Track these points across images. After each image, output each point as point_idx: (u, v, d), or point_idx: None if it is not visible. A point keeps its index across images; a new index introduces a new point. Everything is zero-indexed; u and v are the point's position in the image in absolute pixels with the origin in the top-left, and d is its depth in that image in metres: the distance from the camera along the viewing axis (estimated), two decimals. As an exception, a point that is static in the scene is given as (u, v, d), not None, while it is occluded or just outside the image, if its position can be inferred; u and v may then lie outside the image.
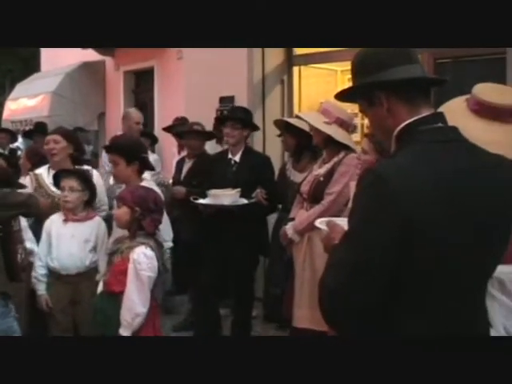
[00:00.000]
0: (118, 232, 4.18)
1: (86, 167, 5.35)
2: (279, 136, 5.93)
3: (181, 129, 6.85)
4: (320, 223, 2.73)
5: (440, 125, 1.92)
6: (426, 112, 1.93)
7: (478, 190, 1.85)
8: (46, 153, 5.14)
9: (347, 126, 4.52)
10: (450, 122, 1.97)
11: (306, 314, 4.31)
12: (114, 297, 3.82)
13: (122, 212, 3.87)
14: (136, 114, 7.14)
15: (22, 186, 4.41)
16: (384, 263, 1.77)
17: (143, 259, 3.75)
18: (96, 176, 5.22)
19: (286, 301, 4.85)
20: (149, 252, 3.78)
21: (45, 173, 5.06)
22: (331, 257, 1.97)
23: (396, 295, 1.81)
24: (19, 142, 10.45)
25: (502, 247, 1.98)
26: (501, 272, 2.04)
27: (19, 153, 9.54)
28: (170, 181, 6.85)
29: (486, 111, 2.51)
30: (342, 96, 2.21)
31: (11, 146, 9.64)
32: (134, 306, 3.73)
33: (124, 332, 3.74)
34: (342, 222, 2.24)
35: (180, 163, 6.46)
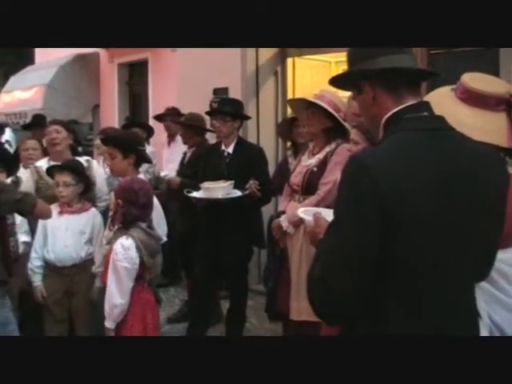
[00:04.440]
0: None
1: (85, 157, 5.38)
2: (292, 121, 5.63)
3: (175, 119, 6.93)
4: (303, 212, 2.73)
5: (425, 114, 1.94)
6: (411, 101, 1.95)
7: (464, 177, 1.86)
8: (47, 143, 5.15)
9: (343, 114, 4.50)
10: (438, 110, 1.99)
11: (303, 306, 4.23)
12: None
13: (113, 203, 3.92)
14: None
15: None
16: (368, 250, 1.79)
17: (120, 250, 3.73)
18: (96, 166, 5.25)
19: (279, 294, 4.82)
20: (127, 242, 3.75)
21: (45, 165, 5.07)
22: (317, 249, 2.00)
23: (380, 281, 1.82)
24: (8, 136, 10.41)
25: (492, 236, 1.99)
26: None
27: (7, 146, 9.53)
28: (163, 172, 6.88)
29: (473, 99, 2.55)
30: (336, 83, 2.26)
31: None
32: (112, 297, 3.74)
33: (107, 323, 3.76)
34: (327, 213, 2.26)
35: (185, 154, 6.52)
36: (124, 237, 3.77)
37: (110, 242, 3.88)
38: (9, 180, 4.76)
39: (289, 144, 5.85)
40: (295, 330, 4.53)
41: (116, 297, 3.73)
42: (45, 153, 5.83)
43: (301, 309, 4.32)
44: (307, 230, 2.44)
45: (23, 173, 5.28)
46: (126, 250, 3.73)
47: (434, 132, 1.91)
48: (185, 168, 6.20)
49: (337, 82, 2.25)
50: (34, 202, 3.92)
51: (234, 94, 7.10)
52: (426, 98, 2.08)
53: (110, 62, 11.46)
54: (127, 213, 3.81)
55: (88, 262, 4.66)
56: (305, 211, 2.76)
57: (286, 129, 5.65)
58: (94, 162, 5.34)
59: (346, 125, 4.54)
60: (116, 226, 3.94)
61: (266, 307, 5.65)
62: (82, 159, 5.26)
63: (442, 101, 2.51)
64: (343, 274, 1.81)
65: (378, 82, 1.99)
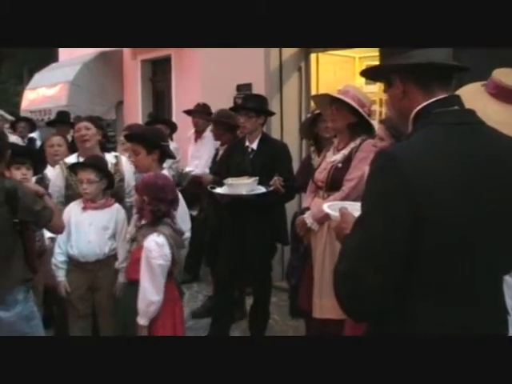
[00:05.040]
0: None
1: (113, 153, 5.38)
2: (316, 117, 5.45)
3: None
4: (329, 207, 2.70)
5: (456, 107, 1.92)
6: (442, 95, 1.93)
7: (493, 171, 1.84)
8: (77, 140, 5.14)
9: (367, 109, 4.46)
10: (468, 105, 1.97)
11: (326, 304, 4.23)
12: (133, 285, 3.86)
13: (135, 199, 3.93)
14: None
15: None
16: (396, 245, 1.77)
17: (154, 247, 3.76)
18: (125, 162, 5.23)
19: (302, 291, 4.79)
20: (160, 239, 3.79)
21: (74, 161, 5.04)
22: (343, 244, 1.99)
23: (407, 275, 1.80)
24: (35, 133, 10.47)
25: None
26: None
27: (38, 143, 9.60)
28: (188, 168, 6.90)
29: (503, 94, 2.52)
30: (367, 75, 2.28)
31: (30, 135, 9.63)
32: (148, 294, 3.76)
33: (140, 320, 3.78)
34: (353, 207, 2.23)
35: (218, 151, 6.62)
36: (155, 234, 3.79)
37: (136, 239, 3.88)
38: (34, 179, 4.78)
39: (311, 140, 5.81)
40: (318, 328, 4.50)
41: (152, 294, 3.76)
42: (70, 149, 5.85)
43: (324, 307, 4.29)
44: (332, 225, 2.41)
45: (51, 170, 5.30)
46: (159, 247, 3.77)
47: (464, 126, 1.89)
48: (217, 165, 6.23)
49: (368, 74, 2.27)
50: (50, 217, 3.94)
51: (258, 90, 7.07)
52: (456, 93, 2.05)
53: (133, 59, 11.49)
54: (155, 209, 3.84)
55: (111, 257, 4.65)
56: (330, 206, 2.74)
57: (307, 126, 5.61)
58: (123, 158, 5.32)
59: (371, 120, 4.50)
60: (141, 223, 3.94)
61: (290, 306, 5.62)
62: (111, 155, 5.27)
63: (473, 96, 2.48)
64: (371, 269, 1.80)
65: (408, 77, 1.97)
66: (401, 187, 1.75)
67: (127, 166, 5.20)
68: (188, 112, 7.72)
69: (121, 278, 4.53)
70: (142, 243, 3.81)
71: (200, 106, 7.62)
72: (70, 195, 4.89)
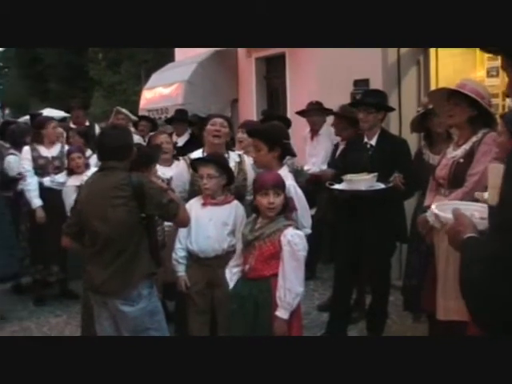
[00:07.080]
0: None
1: (237, 152, 5.41)
2: (428, 111, 5.32)
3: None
4: (436, 207, 2.56)
5: None
6: None
7: None
8: (208, 133, 5.11)
9: (487, 101, 4.29)
10: None
11: (451, 305, 4.08)
12: (265, 282, 3.93)
13: (282, 199, 3.96)
14: None
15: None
16: None
17: (298, 240, 3.88)
18: (248, 161, 5.23)
19: (424, 292, 4.67)
20: (300, 232, 3.91)
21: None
22: (475, 250, 1.82)
23: None
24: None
25: None
26: None
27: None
28: (306, 167, 6.90)
29: None
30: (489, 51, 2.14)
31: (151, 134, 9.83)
32: (294, 287, 3.87)
33: (284, 314, 3.85)
34: (466, 207, 2.11)
35: (337, 146, 6.71)
36: (291, 228, 3.90)
37: (270, 235, 3.91)
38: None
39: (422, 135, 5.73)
40: (442, 329, 4.37)
41: (297, 286, 3.92)
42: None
43: (448, 308, 4.15)
44: (447, 227, 2.24)
45: (160, 168, 5.40)
46: (302, 239, 3.90)
47: None
48: (337, 160, 6.28)
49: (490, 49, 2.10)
50: (176, 211, 4.07)
51: (375, 85, 6.97)
52: None
53: (247, 57, 11.61)
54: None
55: (230, 253, 4.64)
56: (438, 206, 2.61)
57: (418, 120, 5.49)
58: (246, 157, 5.33)
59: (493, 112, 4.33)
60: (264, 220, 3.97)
61: (406, 305, 5.50)
62: (235, 154, 5.29)
63: None
64: (509, 282, 1.62)
65: None
66: None
67: (249, 167, 5.20)
68: (301, 113, 7.72)
69: (229, 278, 4.35)
70: (277, 239, 3.87)
71: (314, 104, 7.59)
72: (194, 191, 4.90)
